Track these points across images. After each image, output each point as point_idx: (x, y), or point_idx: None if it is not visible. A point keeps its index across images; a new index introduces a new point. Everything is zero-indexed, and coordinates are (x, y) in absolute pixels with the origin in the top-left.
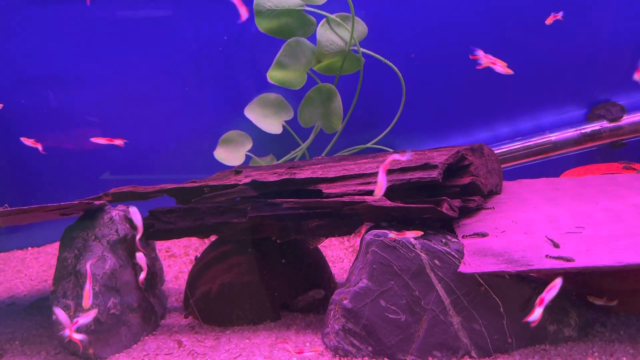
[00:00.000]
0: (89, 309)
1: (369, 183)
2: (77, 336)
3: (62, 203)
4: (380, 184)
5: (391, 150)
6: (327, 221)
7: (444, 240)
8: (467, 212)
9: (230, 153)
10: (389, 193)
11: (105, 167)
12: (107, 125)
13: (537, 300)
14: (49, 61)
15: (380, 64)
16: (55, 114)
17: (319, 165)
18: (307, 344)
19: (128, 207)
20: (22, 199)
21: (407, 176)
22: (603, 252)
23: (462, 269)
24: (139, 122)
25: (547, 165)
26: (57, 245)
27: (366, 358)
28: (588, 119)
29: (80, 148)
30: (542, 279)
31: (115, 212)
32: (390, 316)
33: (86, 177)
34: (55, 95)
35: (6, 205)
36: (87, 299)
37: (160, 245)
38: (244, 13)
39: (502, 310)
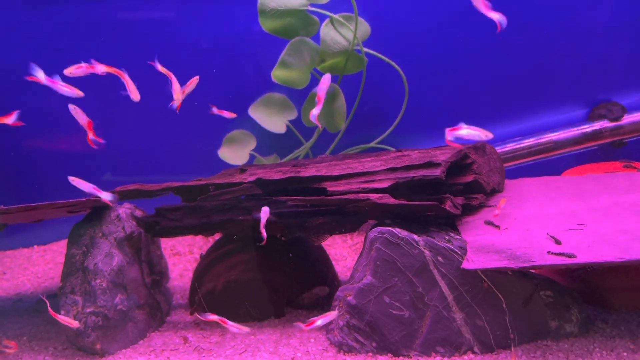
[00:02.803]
0: None
1: (372, 181)
2: None
3: (70, 200)
4: None
5: (394, 149)
6: (331, 219)
7: (447, 237)
8: (469, 209)
9: (235, 152)
10: (393, 191)
11: (109, 167)
12: (109, 125)
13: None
14: (50, 61)
15: (383, 64)
16: (56, 114)
17: (323, 164)
18: (312, 340)
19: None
20: (23, 200)
21: (411, 174)
22: (604, 248)
23: (465, 265)
24: (143, 122)
25: (549, 164)
26: (62, 243)
27: (370, 354)
28: (589, 118)
29: (82, 149)
30: (543, 275)
31: (122, 210)
32: (394, 312)
33: (88, 178)
34: (57, 96)
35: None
36: None
37: (165, 244)
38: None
39: (504, 306)
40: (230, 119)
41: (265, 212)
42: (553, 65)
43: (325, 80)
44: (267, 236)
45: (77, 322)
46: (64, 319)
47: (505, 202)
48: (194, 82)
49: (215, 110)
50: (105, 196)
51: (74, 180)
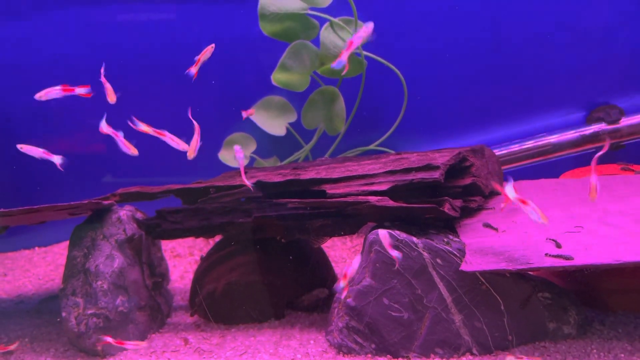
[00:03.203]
0: None
1: (372, 184)
2: None
3: (71, 203)
4: None
5: (393, 152)
6: (331, 221)
7: (445, 240)
8: (468, 212)
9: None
10: (393, 193)
11: (109, 169)
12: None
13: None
14: (52, 63)
15: (382, 67)
16: (56, 116)
17: (322, 167)
18: (311, 342)
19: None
20: (24, 202)
21: (410, 177)
22: (601, 250)
23: (464, 267)
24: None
25: (547, 166)
26: (63, 245)
27: (369, 355)
28: (587, 121)
29: (82, 151)
30: (541, 277)
31: (123, 212)
32: (393, 314)
33: (89, 179)
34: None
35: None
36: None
37: (165, 246)
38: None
39: (502, 308)
40: (230, 121)
41: (238, 151)
42: (551, 68)
43: (368, 28)
44: (267, 239)
45: (145, 342)
46: (131, 344)
47: (511, 198)
48: (209, 50)
49: (245, 114)
50: (56, 159)
51: (23, 148)
